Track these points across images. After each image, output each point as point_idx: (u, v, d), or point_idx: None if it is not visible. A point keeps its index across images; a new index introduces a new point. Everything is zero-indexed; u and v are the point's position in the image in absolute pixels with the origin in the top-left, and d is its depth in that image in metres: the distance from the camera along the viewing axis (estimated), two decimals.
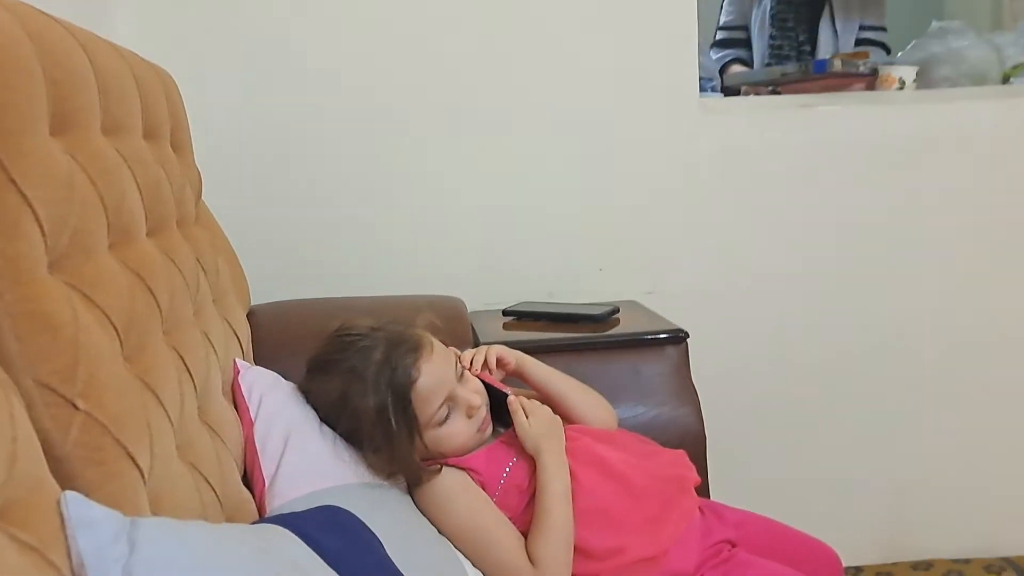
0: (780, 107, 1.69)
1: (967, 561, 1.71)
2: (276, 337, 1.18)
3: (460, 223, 1.56)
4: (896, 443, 1.71)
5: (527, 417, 0.98)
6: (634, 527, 0.96)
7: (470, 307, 1.49)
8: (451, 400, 0.95)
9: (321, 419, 0.93)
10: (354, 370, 0.91)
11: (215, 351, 0.87)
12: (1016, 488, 1.73)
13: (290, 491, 0.84)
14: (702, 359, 1.61)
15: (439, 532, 0.91)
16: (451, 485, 0.93)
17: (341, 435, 0.92)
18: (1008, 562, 1.70)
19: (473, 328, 1.33)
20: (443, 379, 0.94)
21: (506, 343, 1.20)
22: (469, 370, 1.01)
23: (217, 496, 0.74)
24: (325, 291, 1.42)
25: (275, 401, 0.92)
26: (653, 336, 1.24)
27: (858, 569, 1.72)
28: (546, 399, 1.07)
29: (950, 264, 1.65)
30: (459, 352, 1.04)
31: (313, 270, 1.51)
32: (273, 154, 1.49)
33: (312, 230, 1.52)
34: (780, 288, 1.64)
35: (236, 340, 0.97)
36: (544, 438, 0.97)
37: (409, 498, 0.93)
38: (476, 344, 1.22)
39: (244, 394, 0.92)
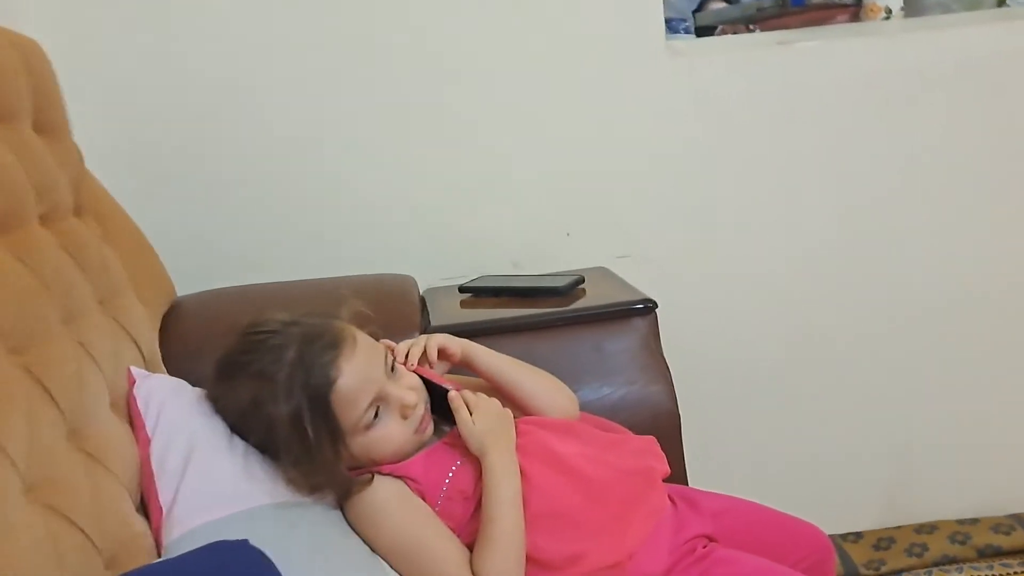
0: (756, 45, 1.56)
1: (974, 521, 1.61)
2: (202, 331, 1.07)
3: (411, 192, 1.44)
4: (895, 401, 1.60)
5: (471, 413, 0.87)
6: (594, 530, 0.86)
7: (426, 284, 1.39)
8: (381, 399, 0.83)
9: (231, 430, 0.83)
10: (263, 373, 0.81)
11: (96, 362, 0.76)
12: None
13: (190, 519, 0.73)
14: (680, 327, 1.49)
15: (372, 549, 0.81)
16: (384, 497, 0.83)
17: (255, 447, 0.81)
18: (1018, 519, 1.60)
19: (426, 308, 1.21)
20: (369, 377, 0.83)
21: (458, 325, 1.11)
22: (404, 364, 0.90)
23: (89, 538, 0.64)
24: (265, 276, 1.30)
25: (177, 413, 0.82)
26: (618, 308, 1.12)
27: (858, 535, 1.63)
28: (498, 390, 0.96)
29: (950, 210, 1.52)
30: (393, 344, 0.92)
31: (251, 254, 1.39)
32: (197, 130, 1.36)
33: (247, 210, 1.39)
34: (765, 245, 1.52)
35: (133, 345, 0.86)
36: (490, 435, 0.86)
37: (337, 514, 0.82)
38: (427, 327, 1.11)
39: (140, 407, 0.82)
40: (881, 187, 1.51)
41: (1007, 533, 1.57)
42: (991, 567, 1.54)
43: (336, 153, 1.41)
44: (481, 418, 0.87)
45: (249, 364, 0.82)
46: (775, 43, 1.50)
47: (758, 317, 1.54)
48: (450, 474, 0.86)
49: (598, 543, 0.85)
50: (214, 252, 1.37)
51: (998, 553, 1.55)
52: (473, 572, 0.81)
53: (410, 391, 0.85)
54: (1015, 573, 1.52)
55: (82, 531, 0.63)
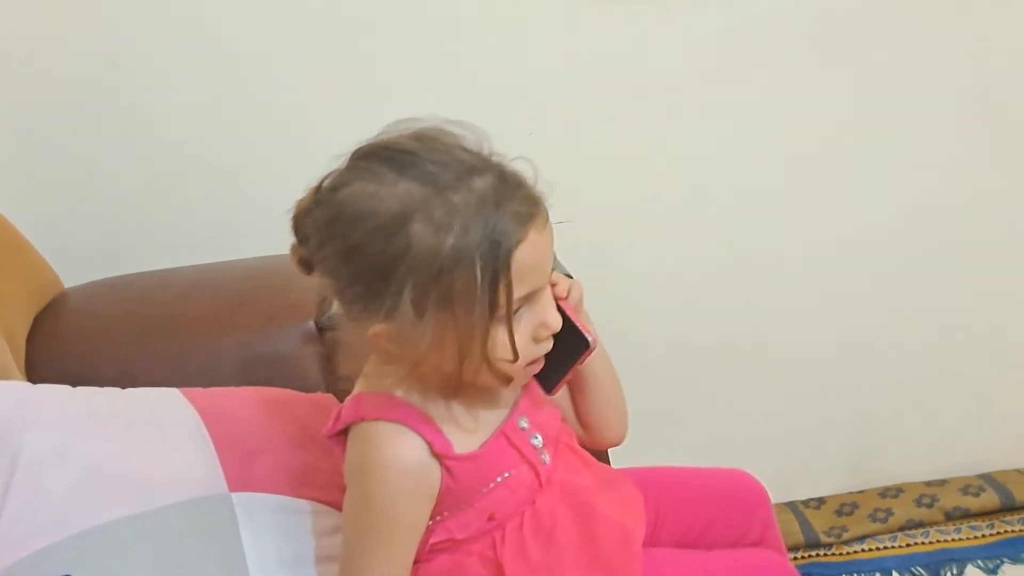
0: None
1: (942, 483, 1.55)
2: (79, 327, 1.01)
3: (322, 166, 1.34)
4: (857, 358, 1.52)
5: None
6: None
7: None
8: (533, 300, 0.67)
9: (315, 245, 0.67)
10: (442, 186, 0.64)
11: None
12: (993, 396, 1.55)
13: (8, 552, 0.67)
14: (630, 291, 1.43)
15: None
16: (398, 469, 0.67)
17: (338, 279, 0.66)
18: (987, 479, 1.53)
19: None
20: (542, 264, 0.67)
21: None
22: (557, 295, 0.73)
23: None
24: (156, 262, 1.22)
25: (5, 422, 0.73)
26: None
27: (820, 500, 1.57)
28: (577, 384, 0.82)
29: (914, 154, 1.41)
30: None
31: (158, 237, 1.31)
32: (83, 103, 1.25)
33: (151, 187, 1.30)
34: (720, 199, 1.42)
35: None
36: None
37: (198, 525, 0.74)
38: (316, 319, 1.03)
39: None
40: (843, 130, 1.39)
41: (976, 495, 1.50)
42: (959, 530, 1.48)
43: (234, 123, 1.30)
44: None
45: (424, 165, 0.65)
46: None
47: (708, 279, 1.45)
48: (492, 484, 0.72)
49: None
50: (108, 240, 1.29)
51: (966, 515, 1.49)
52: None
53: (556, 316, 0.69)
54: (983, 536, 1.45)
55: None
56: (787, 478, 1.56)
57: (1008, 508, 1.48)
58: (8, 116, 1.24)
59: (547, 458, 0.76)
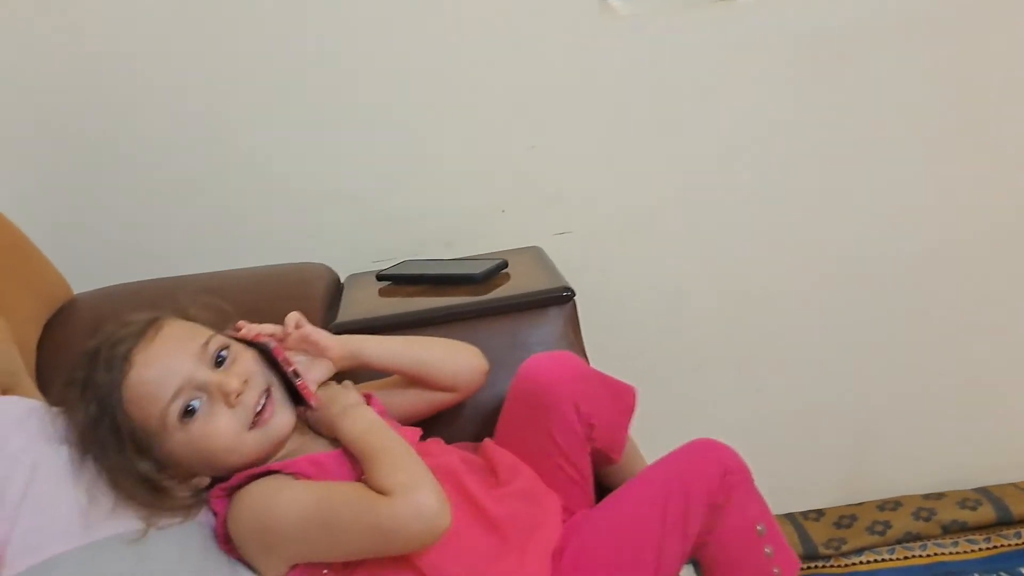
0: (694, 3, 1.44)
1: (940, 496, 1.55)
2: (87, 332, 1.00)
3: (335, 172, 1.35)
4: (856, 370, 1.53)
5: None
6: (491, 556, 0.79)
7: (352, 270, 1.32)
8: (197, 389, 0.75)
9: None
10: (70, 381, 0.76)
11: None
12: (993, 409, 1.56)
13: (22, 559, 0.68)
14: (625, 302, 1.44)
15: (277, 544, 0.75)
16: (268, 484, 0.75)
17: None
18: (984, 493, 1.54)
19: (338, 301, 1.14)
20: (170, 365, 0.75)
21: (362, 322, 1.04)
22: (239, 334, 0.82)
23: None
24: (172, 268, 1.23)
25: (20, 437, 0.75)
26: (533, 298, 1.05)
27: (819, 513, 1.57)
28: (403, 376, 0.91)
29: (907, 166, 1.43)
30: (242, 324, 0.84)
31: (161, 246, 1.32)
32: (95, 114, 1.27)
33: (155, 199, 1.32)
34: (716, 211, 1.43)
35: None
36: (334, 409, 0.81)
37: (202, 539, 0.76)
38: (328, 324, 1.04)
39: None
40: (838, 145, 1.41)
41: (973, 508, 1.51)
42: (956, 543, 1.48)
43: (258, 137, 1.33)
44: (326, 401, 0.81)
45: (65, 380, 0.78)
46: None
47: (707, 291, 1.47)
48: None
49: (495, 570, 0.78)
50: (120, 245, 1.31)
51: (963, 529, 1.49)
52: (381, 491, 0.71)
53: (234, 376, 0.76)
54: (980, 550, 1.46)
55: None
56: (786, 489, 1.57)
57: (1005, 522, 1.48)
58: (18, 125, 1.26)
59: None
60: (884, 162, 1.43)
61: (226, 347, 0.79)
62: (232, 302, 0.91)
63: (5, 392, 0.83)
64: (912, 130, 1.41)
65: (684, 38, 1.36)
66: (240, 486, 0.78)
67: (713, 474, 0.83)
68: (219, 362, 0.78)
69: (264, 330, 0.83)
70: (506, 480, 0.86)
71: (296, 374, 0.80)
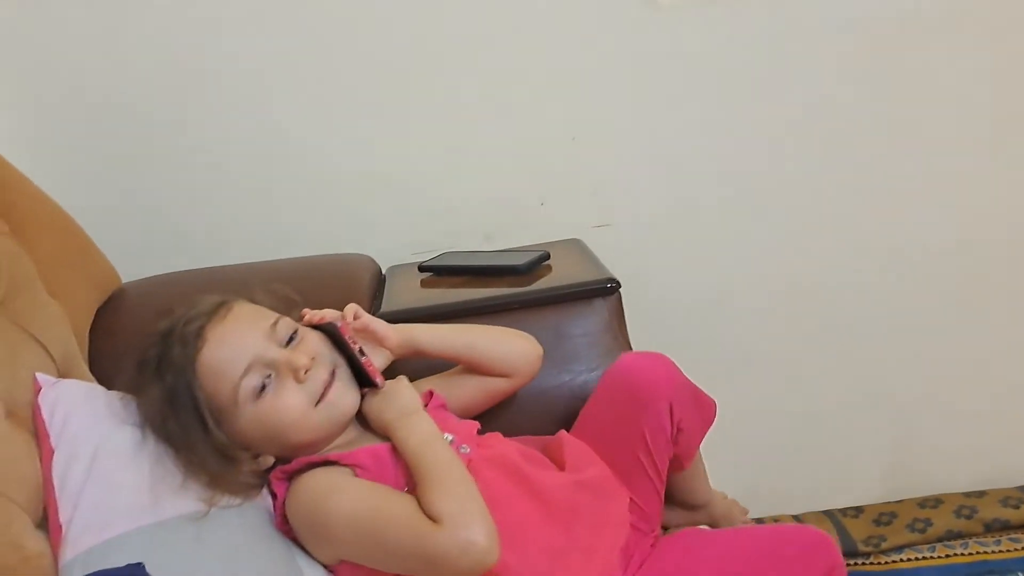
0: None
1: (981, 494, 1.53)
2: (137, 322, 1.02)
3: (376, 163, 1.35)
4: (897, 365, 1.51)
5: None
6: (555, 552, 0.79)
7: (396, 259, 1.33)
8: (267, 366, 0.78)
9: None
10: (143, 362, 0.79)
11: None
12: None
13: (87, 538, 0.69)
14: (665, 297, 1.44)
15: (326, 546, 0.76)
16: (329, 480, 0.76)
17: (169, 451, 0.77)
18: None
19: (382, 291, 1.15)
20: (241, 342, 0.78)
21: (408, 311, 1.04)
22: (304, 319, 0.84)
23: None
24: (222, 258, 1.24)
25: (84, 420, 0.77)
26: (578, 289, 1.05)
27: (858, 510, 1.56)
28: (460, 365, 0.93)
29: (955, 154, 1.40)
30: (306, 311, 0.86)
31: (207, 235, 1.33)
32: (143, 104, 1.29)
33: (202, 188, 1.33)
34: (757, 203, 1.42)
35: (38, 347, 0.81)
36: (390, 412, 0.81)
37: (262, 521, 0.77)
38: (375, 313, 1.04)
39: (45, 417, 0.77)
40: (882, 135, 1.39)
41: (1016, 506, 1.48)
42: (998, 542, 1.46)
43: (298, 126, 1.33)
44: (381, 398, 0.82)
45: (138, 360, 0.80)
46: None
47: (748, 285, 1.45)
48: None
49: (560, 569, 0.78)
50: (166, 235, 1.32)
51: (1006, 527, 1.47)
52: (431, 517, 0.71)
53: (302, 353, 0.79)
54: (1022, 548, 1.44)
55: None
56: (824, 485, 1.56)
57: None
58: (70, 119, 1.27)
59: (466, 448, 0.82)
60: (935, 154, 1.40)
61: (294, 328, 0.81)
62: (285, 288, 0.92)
63: (63, 377, 0.84)
64: (970, 121, 1.39)
65: (730, 28, 1.34)
66: (299, 472, 0.78)
67: None
68: (288, 342, 0.80)
69: (327, 315, 0.85)
70: (575, 468, 0.85)
71: (362, 352, 0.82)
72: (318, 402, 0.79)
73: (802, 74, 1.36)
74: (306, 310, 0.85)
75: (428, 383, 0.92)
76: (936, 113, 1.39)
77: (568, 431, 0.92)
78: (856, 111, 1.38)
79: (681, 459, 0.93)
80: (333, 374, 0.81)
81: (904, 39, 1.35)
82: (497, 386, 0.92)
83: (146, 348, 0.80)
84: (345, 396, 0.81)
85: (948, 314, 1.48)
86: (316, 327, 0.83)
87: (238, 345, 0.77)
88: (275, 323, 0.80)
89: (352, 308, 0.87)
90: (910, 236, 1.44)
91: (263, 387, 0.77)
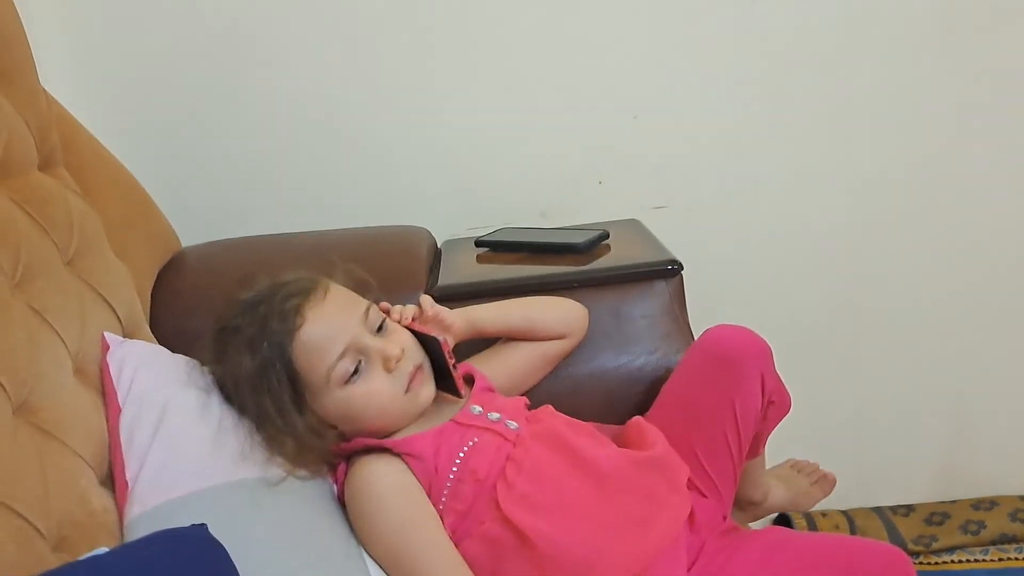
0: None
1: None
2: (198, 286, 1.04)
3: (433, 136, 1.34)
4: (953, 360, 1.47)
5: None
6: (610, 530, 0.77)
7: (450, 234, 1.32)
8: (360, 352, 0.79)
9: (231, 404, 0.79)
10: (235, 329, 0.78)
11: (54, 328, 0.71)
12: None
13: (152, 496, 0.69)
14: (720, 283, 1.40)
15: (359, 541, 0.76)
16: (383, 489, 0.77)
17: (247, 418, 0.77)
18: None
19: (438, 265, 1.14)
20: (339, 325, 0.78)
21: (465, 286, 1.03)
22: (396, 320, 0.85)
23: (30, 522, 0.60)
24: (275, 227, 1.25)
25: (150, 380, 0.77)
26: (639, 270, 1.02)
27: (909, 508, 1.52)
28: (515, 339, 0.94)
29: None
30: (388, 306, 0.88)
31: (262, 203, 1.33)
32: (204, 71, 1.28)
33: (260, 157, 1.33)
34: (822, 189, 1.38)
35: (105, 306, 0.81)
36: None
37: (318, 492, 0.77)
38: (433, 286, 1.04)
39: (112, 375, 0.77)
40: (941, 135, 1.35)
41: None
42: None
43: (355, 96, 1.32)
44: None
45: (223, 327, 0.79)
46: None
47: (803, 273, 1.42)
48: (462, 453, 0.79)
49: (614, 544, 0.77)
50: (223, 201, 1.32)
51: None
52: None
53: (393, 344, 0.80)
54: None
55: (20, 515, 0.59)
56: (873, 481, 1.52)
57: None
58: (134, 78, 1.28)
59: (513, 424, 0.83)
60: (999, 150, 1.35)
61: (383, 318, 0.82)
62: (346, 257, 0.92)
63: (128, 337, 0.85)
64: None
65: (797, 8, 1.30)
66: (357, 453, 0.80)
67: None
68: (377, 330, 0.81)
69: (406, 312, 0.87)
70: (635, 445, 0.85)
71: (455, 366, 0.84)
72: (405, 391, 0.81)
73: (876, 55, 1.32)
74: (385, 304, 0.86)
75: (470, 361, 0.92)
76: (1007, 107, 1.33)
77: (643, 414, 0.91)
78: (937, 95, 1.33)
79: (759, 441, 0.92)
80: (418, 367, 0.82)
81: (985, 22, 1.30)
82: (556, 349, 0.94)
83: (230, 316, 0.80)
84: (426, 389, 0.82)
85: (1012, 310, 1.43)
86: (414, 333, 0.84)
87: (337, 328, 0.78)
88: (367, 310, 0.81)
89: (427, 300, 0.89)
90: (974, 228, 1.39)
91: (355, 371, 0.78)
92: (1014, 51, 1.31)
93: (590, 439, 0.84)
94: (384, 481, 0.77)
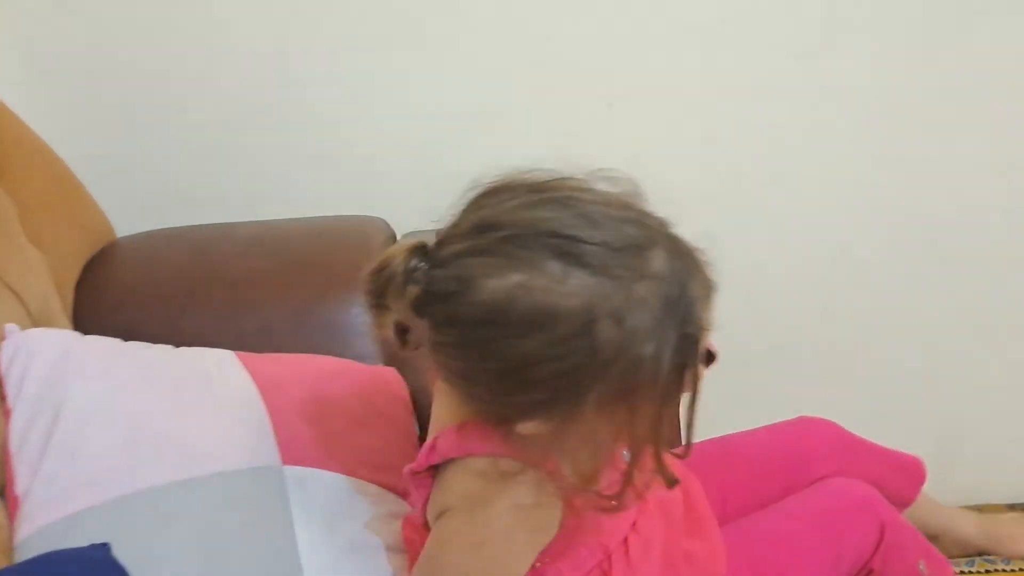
0: None
1: None
2: (127, 279, 0.96)
3: (391, 120, 1.27)
4: (943, 369, 1.43)
5: None
6: None
7: (405, 228, 1.24)
8: None
9: (443, 335, 0.58)
10: (619, 275, 0.55)
11: None
12: None
13: (43, 513, 0.61)
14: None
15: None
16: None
17: (474, 376, 0.57)
18: None
19: None
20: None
21: None
22: None
23: None
24: (221, 216, 1.17)
25: (50, 372, 0.68)
26: None
27: None
28: None
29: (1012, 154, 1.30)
30: None
31: (205, 190, 1.26)
32: (143, 44, 1.20)
33: (202, 140, 1.25)
34: (808, 190, 1.33)
35: (12, 297, 0.73)
36: None
37: (246, 497, 0.68)
38: None
39: (2, 371, 0.68)
40: (934, 135, 1.29)
41: None
42: None
43: (314, 83, 1.25)
44: None
45: (585, 248, 0.55)
46: None
47: (783, 274, 1.37)
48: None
49: None
50: (162, 187, 1.25)
51: None
52: None
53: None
54: None
55: None
56: None
57: None
58: (67, 53, 1.20)
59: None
60: (988, 148, 1.29)
61: None
62: (288, 253, 0.85)
63: None
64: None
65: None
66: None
67: (868, 545, 0.78)
68: None
69: None
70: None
71: None
72: None
73: (854, 49, 1.25)
74: None
75: None
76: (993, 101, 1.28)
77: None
78: (912, 94, 1.27)
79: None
80: None
81: (965, 18, 1.24)
82: None
83: (612, 257, 0.56)
84: None
85: (1000, 318, 1.40)
86: None
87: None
88: None
89: None
90: (964, 234, 1.35)
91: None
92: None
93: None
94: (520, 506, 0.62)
